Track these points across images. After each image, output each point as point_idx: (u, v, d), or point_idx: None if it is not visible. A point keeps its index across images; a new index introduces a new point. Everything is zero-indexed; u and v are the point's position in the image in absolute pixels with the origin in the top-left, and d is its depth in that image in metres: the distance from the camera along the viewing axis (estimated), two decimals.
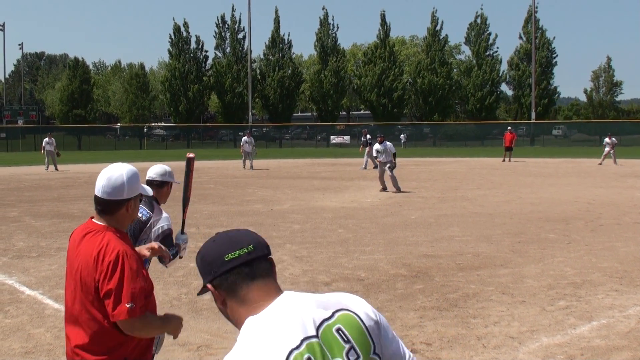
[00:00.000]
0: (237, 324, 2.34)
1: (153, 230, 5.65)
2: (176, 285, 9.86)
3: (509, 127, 50.13)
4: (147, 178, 5.97)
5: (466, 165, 41.83)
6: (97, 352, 3.52)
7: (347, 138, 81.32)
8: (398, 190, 23.66)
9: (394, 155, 24.55)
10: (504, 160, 45.36)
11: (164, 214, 5.76)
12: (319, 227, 15.48)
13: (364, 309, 2.27)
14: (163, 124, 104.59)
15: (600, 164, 40.74)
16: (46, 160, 38.73)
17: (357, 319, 2.22)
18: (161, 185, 6.00)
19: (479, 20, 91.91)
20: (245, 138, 39.43)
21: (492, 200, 21.15)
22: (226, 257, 2.27)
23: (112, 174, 3.67)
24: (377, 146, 25.02)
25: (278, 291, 2.29)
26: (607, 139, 42.18)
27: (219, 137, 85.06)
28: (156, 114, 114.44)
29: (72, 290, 3.61)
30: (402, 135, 77.59)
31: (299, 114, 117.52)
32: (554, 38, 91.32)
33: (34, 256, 12.34)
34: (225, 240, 2.32)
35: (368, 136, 40.36)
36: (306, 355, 2.10)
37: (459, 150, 67.10)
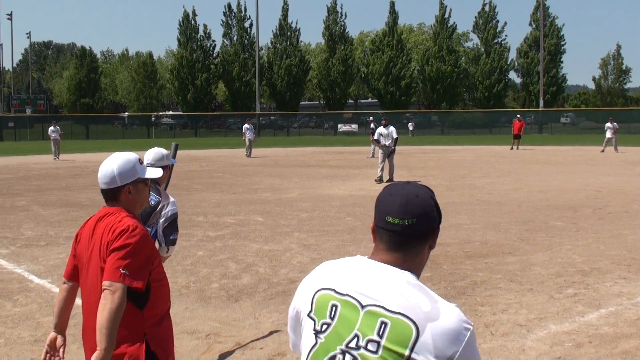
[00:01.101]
0: None
1: (162, 213, 5.68)
2: (185, 274, 9.89)
3: (518, 115, 50.04)
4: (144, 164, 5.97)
5: (474, 153, 41.75)
6: (118, 339, 3.49)
7: (354, 126, 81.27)
8: (391, 180, 22.70)
9: (396, 141, 24.20)
10: (512, 148, 45.24)
11: (171, 199, 5.79)
12: (327, 215, 15.48)
13: (439, 336, 2.17)
14: (171, 112, 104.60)
15: (603, 150, 40.56)
16: (53, 149, 38.96)
17: (412, 336, 2.18)
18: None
19: (487, 8, 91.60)
20: (246, 125, 39.69)
21: (500, 188, 21.11)
22: (387, 218, 2.40)
23: (104, 165, 3.87)
24: (381, 129, 24.50)
25: (398, 261, 2.37)
26: (608, 123, 41.75)
27: (227, 125, 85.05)
28: (164, 102, 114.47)
29: (90, 278, 3.67)
30: (410, 124, 77.42)
31: (307, 102, 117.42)
32: (564, 25, 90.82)
33: (43, 245, 12.38)
34: (398, 202, 2.42)
35: (373, 125, 40.27)
36: (334, 302, 2.33)
37: (467, 138, 66.97)
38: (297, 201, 18.32)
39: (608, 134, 41.53)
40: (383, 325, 2.21)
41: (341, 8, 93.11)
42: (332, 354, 2.29)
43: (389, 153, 23.88)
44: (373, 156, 36.62)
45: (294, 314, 2.49)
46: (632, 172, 26.44)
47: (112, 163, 3.86)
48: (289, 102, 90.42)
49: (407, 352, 2.16)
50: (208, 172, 27.95)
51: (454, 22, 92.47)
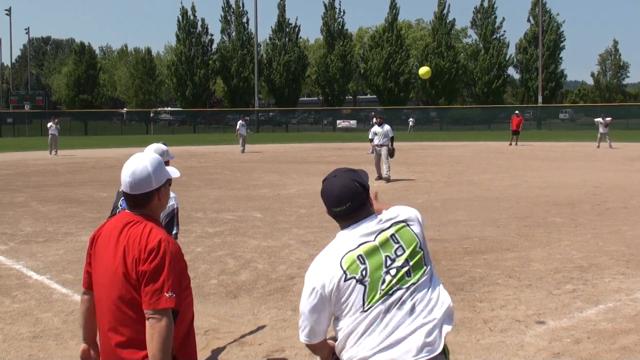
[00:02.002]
0: None
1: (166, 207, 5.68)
2: None
3: (516, 111, 50.00)
4: None
5: (473, 149, 41.76)
6: (141, 348, 3.38)
7: (353, 122, 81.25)
8: (387, 179, 22.36)
9: (392, 140, 23.08)
10: (510, 144, 45.24)
11: (172, 193, 5.79)
12: (325, 212, 15.40)
13: (412, 220, 3.44)
14: (169, 108, 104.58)
15: (598, 146, 40.52)
16: (50, 144, 39.09)
17: (406, 226, 3.39)
18: None
19: (485, 4, 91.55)
20: (240, 122, 40.00)
21: (499, 184, 21.11)
22: (333, 209, 3.49)
23: (135, 167, 3.55)
24: (375, 128, 23.49)
25: (365, 217, 3.44)
26: (599, 119, 41.60)
27: (225, 121, 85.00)
28: (162, 98, 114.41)
29: (109, 286, 3.46)
30: (410, 120, 77.32)
31: (305, 98, 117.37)
32: (564, 22, 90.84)
33: (41, 241, 12.38)
34: (334, 196, 3.47)
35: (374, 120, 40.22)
36: (358, 254, 3.29)
37: (465, 134, 66.95)
38: (295, 197, 18.32)
39: (600, 129, 41.41)
40: (393, 236, 3.34)
41: (339, 4, 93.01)
42: (381, 280, 3.25)
43: (390, 153, 22.97)
44: (372, 152, 36.58)
45: (317, 299, 3.31)
46: (630, 168, 26.44)
47: (144, 163, 3.57)
48: (287, 98, 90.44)
49: (413, 235, 3.39)
50: (206, 169, 27.94)
51: (453, 18, 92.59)
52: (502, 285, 8.88)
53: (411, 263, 3.31)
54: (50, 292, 8.90)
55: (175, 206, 5.84)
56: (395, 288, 3.26)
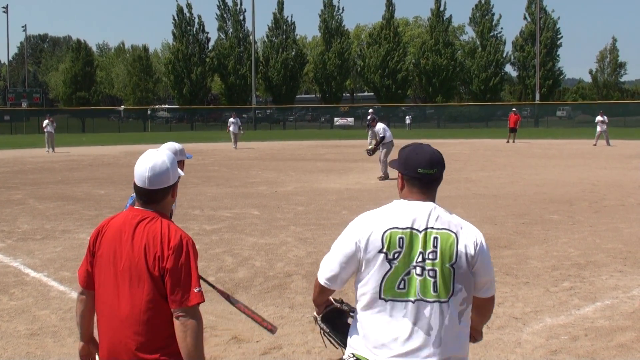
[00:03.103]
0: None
1: None
2: None
3: (514, 109, 50.02)
4: None
5: (470, 146, 41.78)
6: (156, 347, 3.40)
7: (350, 120, 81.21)
8: (382, 177, 21.93)
9: (381, 140, 22.43)
10: (508, 142, 45.26)
11: None
12: (323, 209, 15.47)
13: (467, 240, 3.35)
14: (167, 106, 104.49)
15: (595, 144, 40.54)
16: (46, 142, 39.13)
17: (455, 240, 3.32)
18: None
19: (483, 1, 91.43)
20: (231, 119, 40.65)
21: (496, 181, 21.13)
22: (419, 170, 3.45)
23: (154, 162, 3.52)
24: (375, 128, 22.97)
25: (428, 198, 3.46)
26: (599, 117, 41.68)
27: (223, 119, 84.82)
28: (160, 96, 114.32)
29: (127, 284, 3.42)
30: (407, 117, 77.32)
31: (303, 95, 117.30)
32: (559, 18, 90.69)
33: (39, 238, 12.37)
34: (426, 158, 3.46)
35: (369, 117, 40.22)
36: (400, 236, 3.31)
37: (463, 131, 66.95)
38: (293, 195, 18.32)
39: (599, 128, 41.51)
40: (435, 239, 3.31)
41: (338, 1, 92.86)
42: (406, 270, 3.28)
43: (367, 151, 23.03)
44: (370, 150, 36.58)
45: (353, 249, 3.38)
46: (628, 166, 26.45)
47: (162, 158, 3.55)
48: (285, 96, 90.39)
49: (454, 250, 3.30)
50: (204, 166, 27.93)
51: (450, 15, 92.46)
52: (499, 283, 8.88)
53: (439, 277, 3.30)
54: (48, 289, 8.90)
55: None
56: (419, 297, 3.28)
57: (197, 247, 3.53)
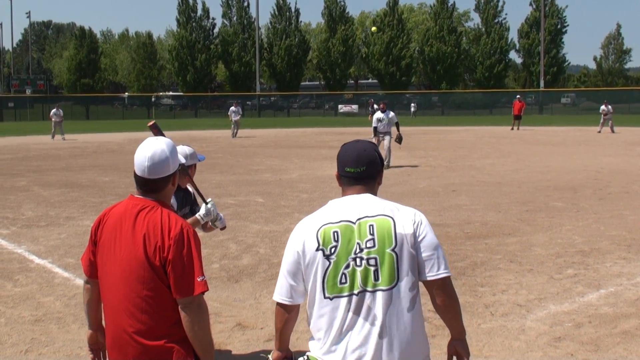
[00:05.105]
0: None
1: None
2: None
3: (518, 96, 49.91)
4: None
5: (474, 134, 41.71)
6: (160, 335, 3.40)
7: (355, 107, 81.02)
8: (387, 165, 21.20)
9: (397, 125, 23.05)
10: (512, 129, 45.19)
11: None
12: (327, 196, 15.36)
13: (404, 221, 3.25)
14: (171, 93, 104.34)
15: (599, 131, 40.45)
16: (53, 129, 39.12)
17: (392, 224, 3.22)
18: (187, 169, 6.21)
19: None
20: (232, 108, 40.41)
21: (501, 169, 21.10)
22: (346, 169, 3.40)
23: (154, 151, 3.51)
24: (378, 114, 23.10)
25: (361, 192, 3.37)
26: (602, 107, 41.62)
27: (227, 106, 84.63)
28: (164, 83, 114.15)
29: (128, 273, 3.42)
30: (412, 104, 77.13)
31: (307, 83, 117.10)
32: (566, 7, 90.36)
33: (43, 225, 12.39)
34: (353, 156, 3.40)
35: (375, 106, 40.15)
36: (334, 230, 3.23)
37: (467, 119, 66.84)
38: (297, 182, 18.33)
39: (603, 117, 41.47)
40: (371, 227, 3.21)
41: None
42: (345, 264, 3.17)
43: (397, 139, 22.84)
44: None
45: (295, 257, 3.30)
46: (632, 153, 26.42)
47: (162, 147, 3.54)
48: (289, 83, 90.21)
49: (392, 234, 3.20)
50: (208, 153, 27.91)
51: (454, 2, 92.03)
52: (503, 270, 8.90)
53: (379, 265, 3.18)
54: (52, 276, 8.92)
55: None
56: (361, 288, 3.16)
57: (200, 234, 3.53)
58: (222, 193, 16.27)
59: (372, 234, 3.19)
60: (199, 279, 3.36)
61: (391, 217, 3.24)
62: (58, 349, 6.43)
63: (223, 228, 6.01)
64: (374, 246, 3.17)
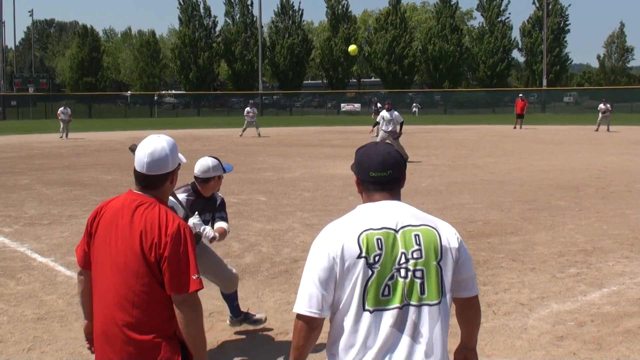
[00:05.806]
0: None
1: None
2: None
3: (520, 95, 49.89)
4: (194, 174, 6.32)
5: (477, 132, 41.69)
6: (149, 330, 3.41)
7: (357, 106, 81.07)
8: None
9: (401, 125, 23.60)
10: (515, 128, 45.15)
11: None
12: (330, 195, 15.47)
13: (447, 234, 3.12)
14: (173, 91, 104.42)
15: (597, 130, 40.42)
16: (60, 128, 39.12)
17: (437, 235, 3.07)
18: (206, 181, 6.41)
19: None
20: (248, 109, 39.85)
21: (503, 167, 21.09)
22: (371, 174, 3.18)
23: (154, 148, 3.55)
24: (384, 113, 23.65)
25: (392, 198, 3.19)
26: (601, 105, 41.64)
27: (230, 104, 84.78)
28: (166, 81, 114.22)
29: (122, 267, 3.44)
30: (414, 104, 76.92)
31: (309, 81, 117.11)
32: (569, 5, 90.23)
33: (46, 224, 12.40)
34: (378, 160, 3.18)
35: (378, 105, 40.18)
36: (377, 237, 2.99)
37: (470, 117, 66.78)
38: (299, 181, 18.32)
39: (601, 115, 41.52)
40: (417, 236, 3.03)
41: None
42: (390, 274, 2.96)
43: (395, 137, 23.11)
44: (377, 135, 36.49)
45: (330, 263, 2.99)
46: (635, 152, 26.40)
47: (162, 144, 3.57)
48: (291, 82, 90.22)
49: (438, 246, 3.04)
50: (210, 152, 27.84)
51: (457, 1, 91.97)
52: (506, 269, 8.89)
53: (426, 278, 3.00)
54: (55, 274, 8.93)
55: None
56: (405, 302, 2.95)
57: None
58: (225, 191, 16.21)
59: (419, 244, 3.01)
60: (194, 277, 3.38)
61: (435, 229, 3.08)
62: (60, 347, 6.44)
63: (212, 240, 6.00)
64: (420, 257, 2.99)
